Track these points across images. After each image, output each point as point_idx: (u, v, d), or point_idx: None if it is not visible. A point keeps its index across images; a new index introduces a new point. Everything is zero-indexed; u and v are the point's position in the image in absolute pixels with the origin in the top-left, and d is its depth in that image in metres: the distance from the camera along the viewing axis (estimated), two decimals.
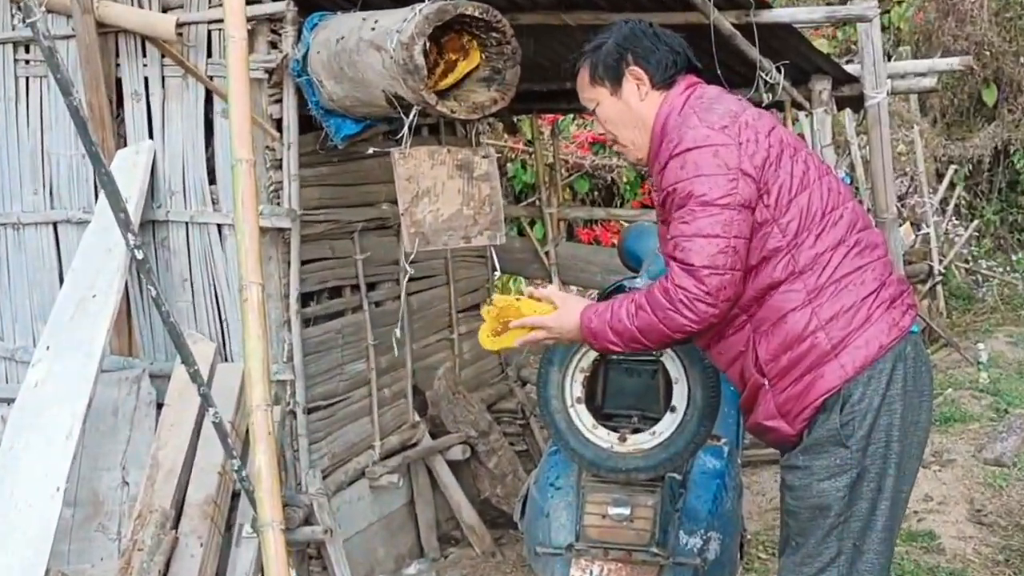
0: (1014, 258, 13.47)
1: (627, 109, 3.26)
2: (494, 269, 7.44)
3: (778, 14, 5.71)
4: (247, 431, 4.70)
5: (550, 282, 8.22)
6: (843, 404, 3.03)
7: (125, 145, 5.19)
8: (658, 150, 3.16)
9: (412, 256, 4.65)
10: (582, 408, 4.23)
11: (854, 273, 3.08)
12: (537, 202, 9.01)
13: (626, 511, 4.17)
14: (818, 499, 3.09)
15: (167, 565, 4.45)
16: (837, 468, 3.06)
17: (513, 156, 12.10)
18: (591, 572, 4.18)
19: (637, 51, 3.25)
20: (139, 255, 3.82)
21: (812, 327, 3.03)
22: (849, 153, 11.34)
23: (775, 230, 3.04)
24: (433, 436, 6.35)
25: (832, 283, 3.05)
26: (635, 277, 5.23)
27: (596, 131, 3.77)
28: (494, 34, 4.47)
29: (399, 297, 6.10)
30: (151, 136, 5.14)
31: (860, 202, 10.16)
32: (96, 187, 5.12)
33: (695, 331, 3.06)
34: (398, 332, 5.27)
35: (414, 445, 6.19)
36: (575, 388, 4.21)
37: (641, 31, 3.30)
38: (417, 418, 6.31)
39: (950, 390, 8.56)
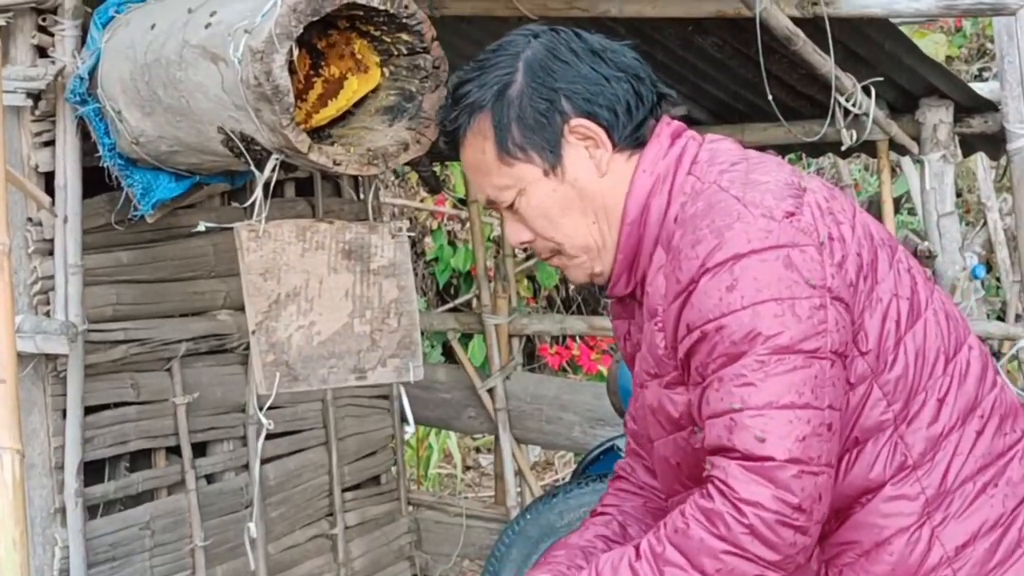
0: None
1: (577, 194, 2.97)
2: (404, 421, 7.39)
3: (866, 2, 5.76)
4: None
5: (495, 438, 8.18)
6: None
7: None
8: (649, 260, 2.95)
9: (270, 401, 4.61)
10: None
11: (994, 465, 2.99)
12: (475, 304, 9.03)
13: None
14: None
15: None
16: None
17: (435, 227, 12.13)
18: None
19: (577, 90, 2.94)
20: None
21: (933, 561, 2.92)
22: (984, 224, 11.43)
23: (875, 392, 2.90)
24: None
25: (962, 483, 2.94)
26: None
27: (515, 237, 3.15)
28: (404, 36, 4.45)
29: (246, 466, 6.07)
30: None
31: (1002, 311, 10.31)
32: None
33: None
34: (252, 526, 5.20)
35: None
36: None
37: (568, 48, 2.98)
38: None
39: None
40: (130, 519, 5.50)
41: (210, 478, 5.98)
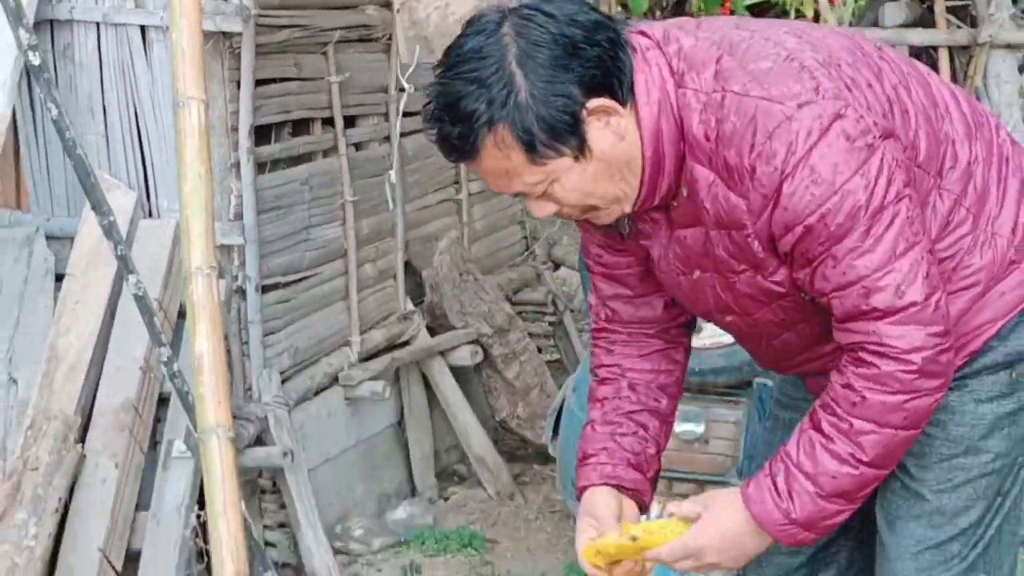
0: None
1: (605, 165, 2.66)
2: None
3: None
4: (180, 312, 4.80)
5: None
6: None
7: None
8: (676, 177, 2.72)
9: (411, 71, 4.65)
10: None
11: (999, 158, 2.92)
12: None
13: (699, 429, 4.27)
14: (968, 428, 3.02)
15: (70, 491, 4.54)
16: (1007, 387, 2.92)
17: None
18: (649, 512, 4.27)
19: (581, 75, 2.58)
20: (35, 59, 3.86)
21: (1002, 247, 2.83)
22: None
23: (918, 175, 2.77)
24: (432, 332, 6.43)
25: (987, 187, 2.87)
26: None
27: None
28: None
29: (388, 138, 6.14)
30: None
31: None
32: None
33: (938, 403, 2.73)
34: (392, 176, 5.27)
35: (406, 343, 6.28)
36: None
37: (542, 30, 2.58)
38: (410, 306, 6.39)
39: None
40: (292, 176, 5.58)
41: (358, 146, 6.03)
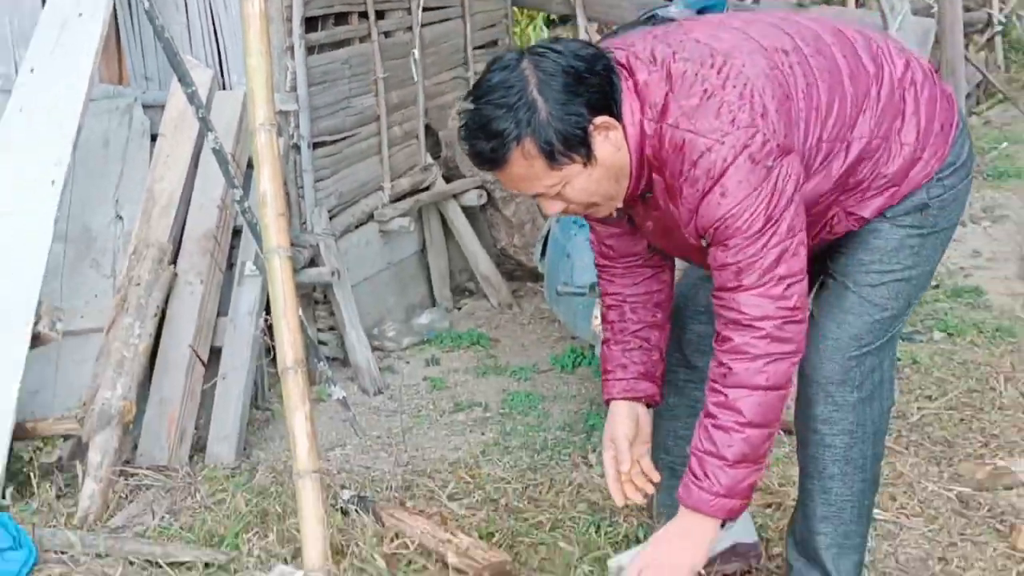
0: None
1: (606, 170, 2.70)
2: (513, 2, 7.30)
3: None
4: (248, 163, 4.74)
5: (573, 17, 7.99)
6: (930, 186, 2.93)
7: None
8: (649, 180, 2.75)
9: None
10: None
11: (895, 100, 2.88)
12: None
13: None
14: (883, 242, 2.95)
15: (165, 302, 4.51)
16: (917, 221, 2.95)
17: None
18: None
19: (588, 98, 2.62)
20: None
21: (908, 153, 2.87)
22: None
23: (829, 145, 2.80)
24: (447, 180, 6.37)
25: (892, 118, 2.86)
26: (668, 4, 5.13)
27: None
28: None
29: (410, 28, 6.04)
30: None
31: None
32: None
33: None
34: (416, 54, 5.19)
35: (426, 188, 6.21)
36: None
37: (554, 63, 2.62)
38: (430, 160, 6.31)
39: (1005, 144, 8.53)
40: (335, 57, 5.47)
41: (387, 34, 5.90)
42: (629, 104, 2.67)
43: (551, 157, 2.60)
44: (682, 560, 2.79)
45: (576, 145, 2.61)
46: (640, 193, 2.78)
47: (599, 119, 2.62)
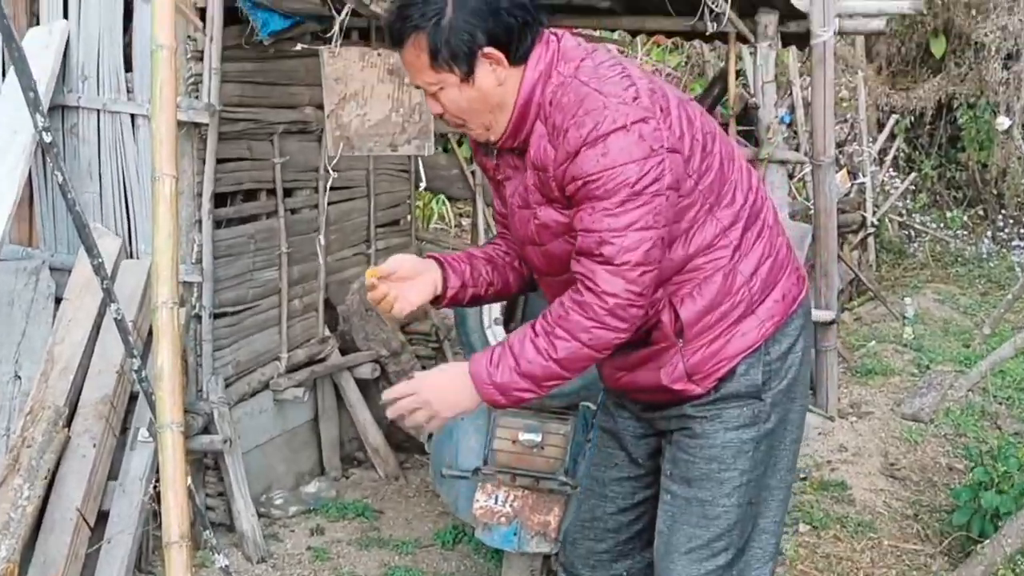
0: (948, 215, 13.71)
1: (481, 96, 2.85)
2: (418, 184, 7.44)
3: None
4: (149, 331, 4.73)
5: (474, 202, 8.18)
6: (763, 359, 3.00)
7: (38, 24, 5.11)
8: (531, 128, 2.87)
9: (335, 161, 4.65)
10: (499, 329, 4.29)
11: (759, 220, 3.03)
12: None
13: (537, 438, 4.26)
14: (719, 450, 3.03)
15: (57, 464, 4.46)
16: (749, 419, 3.01)
17: None
18: (497, 497, 4.27)
19: (490, 28, 2.78)
20: (47, 138, 3.80)
21: (739, 283, 2.95)
22: (790, 93, 11.46)
23: (698, 196, 2.90)
24: (343, 352, 6.39)
25: (747, 232, 2.98)
26: None
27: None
28: None
29: (316, 206, 6.12)
30: (66, 16, 5.07)
31: (797, 146, 10.36)
32: (4, 65, 5.04)
33: (623, 342, 2.86)
34: (321, 239, 5.27)
35: (322, 360, 6.23)
36: (494, 309, 4.27)
37: None
38: (327, 333, 6.35)
39: (873, 343, 8.76)
40: (241, 232, 5.53)
41: (293, 211, 5.99)
42: (539, 55, 2.84)
43: (434, 58, 2.78)
44: (449, 398, 2.88)
45: (459, 59, 2.78)
46: (517, 144, 2.91)
47: (490, 49, 2.79)
